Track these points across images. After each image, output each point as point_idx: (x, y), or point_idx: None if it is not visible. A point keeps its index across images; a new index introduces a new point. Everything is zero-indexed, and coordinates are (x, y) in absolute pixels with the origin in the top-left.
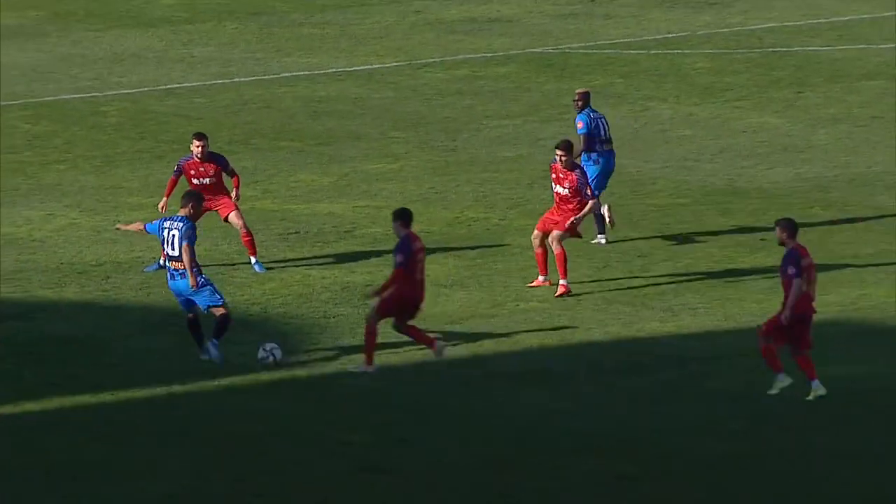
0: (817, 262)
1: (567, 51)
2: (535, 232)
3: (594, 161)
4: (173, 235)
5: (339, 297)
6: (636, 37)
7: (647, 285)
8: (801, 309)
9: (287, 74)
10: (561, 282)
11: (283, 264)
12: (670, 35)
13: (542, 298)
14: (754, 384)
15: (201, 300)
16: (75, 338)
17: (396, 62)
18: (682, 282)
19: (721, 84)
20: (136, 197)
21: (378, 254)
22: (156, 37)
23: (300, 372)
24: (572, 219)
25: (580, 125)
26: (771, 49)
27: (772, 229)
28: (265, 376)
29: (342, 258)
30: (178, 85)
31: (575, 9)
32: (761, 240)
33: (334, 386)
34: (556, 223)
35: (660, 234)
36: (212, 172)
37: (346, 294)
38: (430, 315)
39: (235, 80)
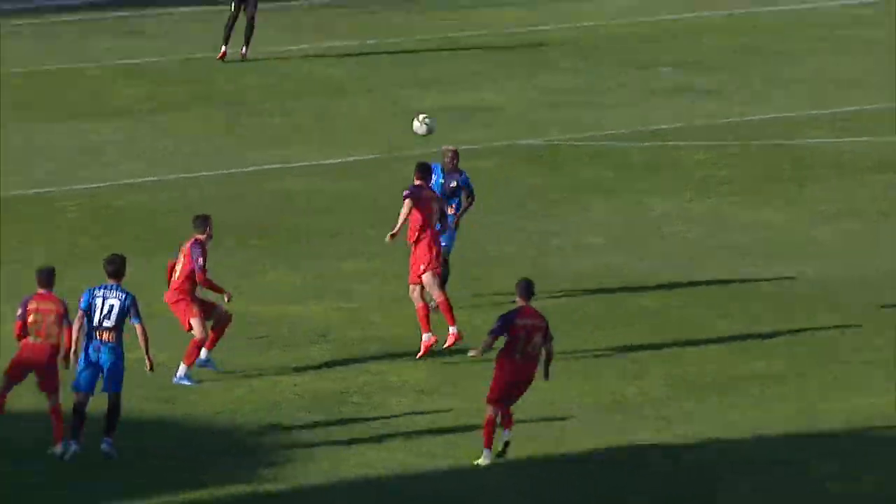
0: (823, 367)
1: (556, 143)
2: (411, 287)
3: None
4: (111, 305)
5: (312, 406)
6: (629, 128)
7: (640, 392)
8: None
9: (256, 168)
10: (451, 330)
11: (251, 370)
12: (665, 126)
13: (528, 408)
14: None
15: (115, 383)
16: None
17: (373, 154)
18: (677, 388)
19: (718, 178)
20: None
21: (354, 360)
22: (117, 129)
23: (269, 487)
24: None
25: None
26: (771, 141)
27: (772, 336)
28: (230, 489)
29: (315, 364)
30: (140, 179)
31: (563, 98)
32: None
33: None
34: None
35: (653, 339)
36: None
37: (317, 403)
38: (410, 422)
39: (201, 174)
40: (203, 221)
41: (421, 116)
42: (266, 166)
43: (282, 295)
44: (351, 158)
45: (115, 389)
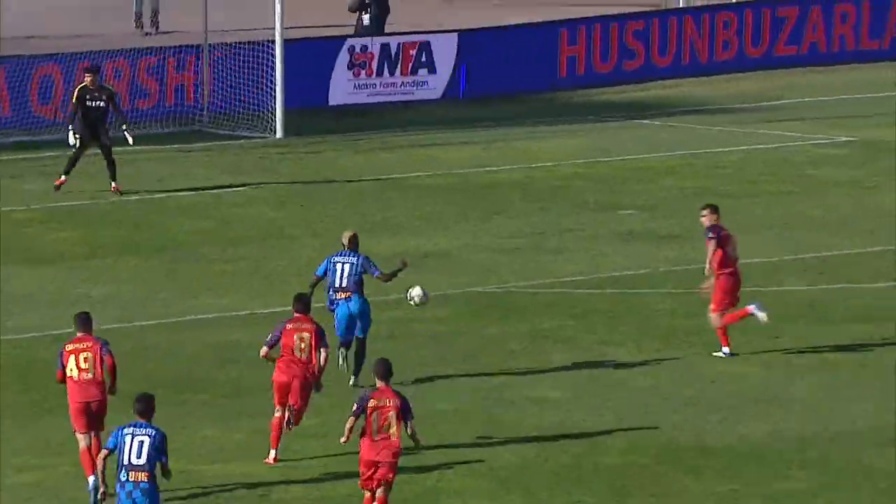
0: None
1: (512, 290)
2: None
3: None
4: (141, 442)
5: None
6: (589, 274)
7: None
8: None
9: (194, 317)
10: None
11: None
12: (628, 272)
13: None
14: None
15: None
16: None
17: (318, 303)
18: None
19: (686, 327)
20: (21, 457)
21: None
22: (48, 275)
23: None
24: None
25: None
26: (742, 287)
27: (747, 497)
28: None
29: None
30: (69, 330)
31: (519, 243)
32: None
33: None
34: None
35: (615, 500)
36: None
37: None
38: None
39: (136, 323)
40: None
41: (414, 294)
42: (204, 315)
43: (219, 452)
44: None
45: None
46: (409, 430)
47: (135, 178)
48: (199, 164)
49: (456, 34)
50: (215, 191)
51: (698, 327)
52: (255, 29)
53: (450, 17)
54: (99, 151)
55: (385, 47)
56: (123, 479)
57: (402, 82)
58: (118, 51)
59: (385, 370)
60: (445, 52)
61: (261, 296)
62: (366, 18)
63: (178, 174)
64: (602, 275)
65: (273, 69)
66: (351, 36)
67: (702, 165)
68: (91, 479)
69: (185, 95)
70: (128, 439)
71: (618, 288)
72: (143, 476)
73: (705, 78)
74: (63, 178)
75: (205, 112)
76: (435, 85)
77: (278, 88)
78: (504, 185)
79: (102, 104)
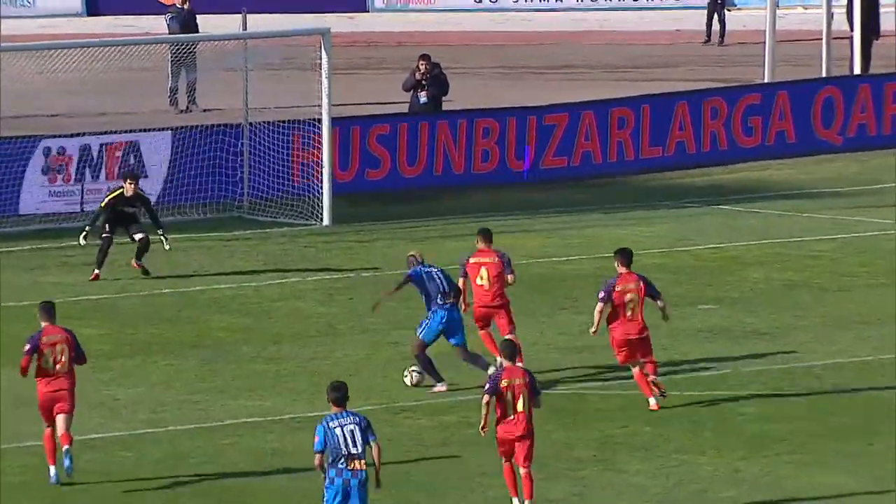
0: None
1: (581, 392)
2: None
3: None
4: (352, 431)
5: None
6: (666, 375)
7: None
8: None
9: (232, 421)
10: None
11: None
12: (708, 373)
13: None
14: None
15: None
16: None
17: (370, 405)
18: None
19: (772, 433)
20: None
21: None
22: None
23: None
24: None
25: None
26: (833, 391)
27: None
28: None
29: None
30: (96, 435)
31: (589, 340)
32: None
33: None
34: None
35: None
36: None
37: None
38: None
39: (169, 428)
40: None
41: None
42: (244, 419)
43: None
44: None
45: None
46: (538, 406)
47: (168, 268)
48: (238, 253)
49: (517, 112)
50: (256, 283)
51: (787, 434)
52: (298, 106)
53: (511, 93)
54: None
55: (450, 125)
56: (341, 467)
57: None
58: (150, 130)
59: (512, 350)
60: (508, 131)
61: (305, 398)
62: (422, 96)
63: (215, 264)
64: (680, 376)
65: (319, 150)
66: (404, 115)
67: (789, 255)
68: (52, 468)
69: (222, 179)
70: (338, 432)
71: (697, 390)
72: (360, 464)
73: (790, 160)
74: (97, 271)
75: (245, 197)
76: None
77: (325, 171)
78: (572, 276)
79: (135, 210)
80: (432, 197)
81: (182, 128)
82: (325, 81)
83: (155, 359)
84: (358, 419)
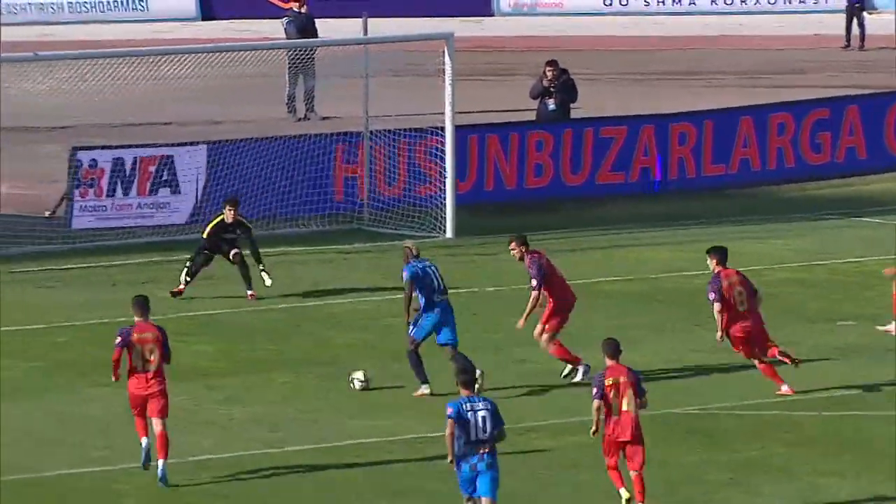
0: None
1: (715, 412)
2: None
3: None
4: (483, 417)
5: None
6: (803, 395)
7: None
8: None
9: (351, 442)
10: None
11: None
12: (848, 392)
13: None
14: None
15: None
16: None
17: None
18: None
19: None
20: None
21: None
22: (184, 393)
23: None
24: None
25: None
26: None
27: None
28: None
29: None
30: (211, 456)
31: (723, 358)
32: None
33: None
34: None
35: None
36: None
37: None
38: None
39: (286, 448)
40: None
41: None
42: (364, 440)
43: None
44: None
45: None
46: (643, 404)
47: (285, 283)
48: (358, 267)
49: (645, 120)
50: (376, 298)
51: None
52: (420, 114)
53: (640, 101)
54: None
55: (576, 133)
56: (470, 451)
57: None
58: (266, 139)
59: (615, 348)
60: (638, 140)
61: (430, 418)
62: (550, 104)
63: (334, 278)
64: (818, 395)
65: (441, 159)
66: (530, 122)
67: None
68: (144, 440)
69: (342, 189)
70: (471, 416)
71: (836, 410)
72: (486, 448)
73: None
74: (182, 286)
75: (365, 208)
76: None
77: (448, 181)
78: (705, 292)
79: (235, 238)
80: (558, 208)
81: (298, 136)
82: (448, 88)
83: (272, 376)
84: (488, 404)
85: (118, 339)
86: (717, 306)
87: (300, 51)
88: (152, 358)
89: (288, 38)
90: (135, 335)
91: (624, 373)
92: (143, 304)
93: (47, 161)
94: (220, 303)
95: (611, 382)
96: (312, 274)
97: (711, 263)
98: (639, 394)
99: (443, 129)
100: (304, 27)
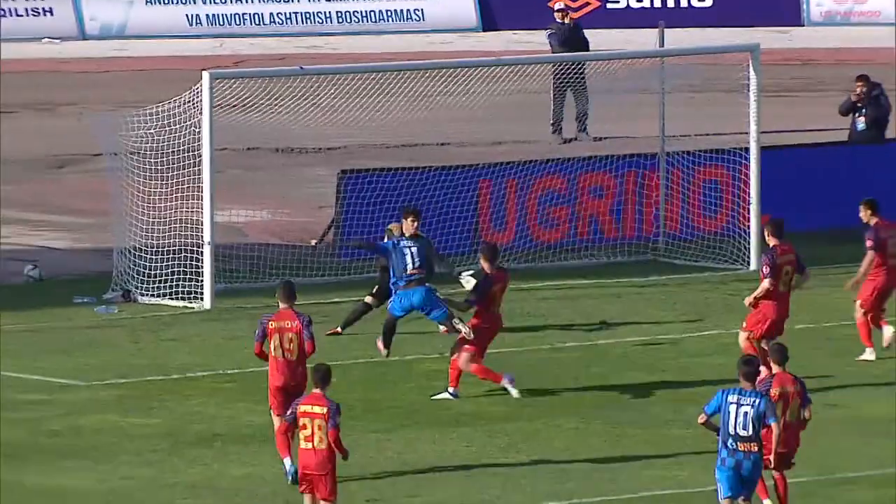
0: None
1: None
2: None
3: None
4: (745, 413)
5: None
6: None
7: None
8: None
9: (647, 493)
10: None
11: None
12: None
13: None
14: None
15: None
16: None
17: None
18: None
19: None
20: None
21: None
22: (463, 439)
23: None
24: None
25: None
26: None
27: None
28: None
29: None
30: None
31: None
32: None
33: None
34: None
35: None
36: None
37: None
38: None
39: (575, 500)
40: None
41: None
42: (661, 491)
43: None
44: None
45: None
46: (808, 417)
47: (575, 317)
48: (653, 301)
49: None
50: (673, 335)
51: None
52: (720, 134)
53: None
54: None
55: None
56: (732, 447)
57: None
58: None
59: (783, 354)
60: None
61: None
62: (860, 122)
63: (627, 314)
64: None
65: (746, 183)
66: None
67: None
68: (287, 460)
69: (634, 216)
70: (732, 409)
71: None
72: (752, 446)
73: None
74: (340, 329)
75: (661, 237)
76: None
77: (752, 207)
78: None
79: None
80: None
81: (575, 159)
82: (752, 105)
83: (558, 422)
84: (758, 400)
85: (257, 331)
86: (766, 283)
87: (566, 65)
88: (291, 348)
89: (552, 52)
90: (272, 323)
91: (791, 381)
92: (288, 290)
93: (314, 185)
94: (504, 340)
95: (778, 392)
96: (603, 310)
97: (770, 236)
98: (805, 403)
99: (747, 149)
100: (567, 39)
